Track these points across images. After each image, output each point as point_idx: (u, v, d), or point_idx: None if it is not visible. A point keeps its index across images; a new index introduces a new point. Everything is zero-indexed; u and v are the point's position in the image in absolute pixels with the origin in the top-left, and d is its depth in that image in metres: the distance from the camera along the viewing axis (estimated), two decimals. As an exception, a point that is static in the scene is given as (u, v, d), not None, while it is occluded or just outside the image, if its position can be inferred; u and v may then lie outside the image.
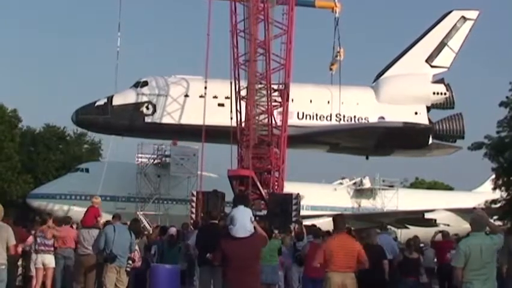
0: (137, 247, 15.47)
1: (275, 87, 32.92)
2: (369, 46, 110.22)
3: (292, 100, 35.91)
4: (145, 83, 38.46)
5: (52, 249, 14.76)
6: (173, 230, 16.42)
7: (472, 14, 41.17)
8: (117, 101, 37.78)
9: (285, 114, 33.22)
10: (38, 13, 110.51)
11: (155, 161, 44.06)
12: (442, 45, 40.72)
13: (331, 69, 39.51)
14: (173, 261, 14.94)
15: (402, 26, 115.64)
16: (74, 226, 17.24)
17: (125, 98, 38.04)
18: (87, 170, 43.91)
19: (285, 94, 33.04)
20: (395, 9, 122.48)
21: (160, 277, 14.26)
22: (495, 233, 8.91)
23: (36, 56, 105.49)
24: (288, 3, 32.89)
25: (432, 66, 40.75)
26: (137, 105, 37.87)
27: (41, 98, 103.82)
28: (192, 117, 35.39)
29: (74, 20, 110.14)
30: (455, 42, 40.84)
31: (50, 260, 14.70)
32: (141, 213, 40.97)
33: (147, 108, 37.82)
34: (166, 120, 37.64)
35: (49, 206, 40.47)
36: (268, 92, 32.19)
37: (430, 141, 39.39)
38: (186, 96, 37.65)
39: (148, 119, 37.76)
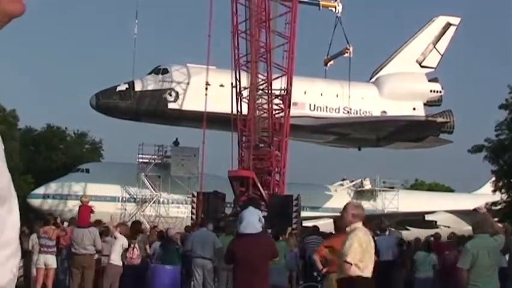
0: (137, 245, 15.57)
1: (277, 93, 33.00)
2: (363, 45, 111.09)
3: (305, 92, 38.56)
4: (166, 70, 38.75)
5: (54, 250, 14.79)
6: (173, 232, 16.45)
7: (455, 20, 44.79)
8: (139, 86, 37.97)
9: (286, 120, 33.17)
10: (37, 11, 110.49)
11: (156, 162, 44.07)
12: (430, 47, 43.98)
13: (326, 64, 41.39)
14: (170, 262, 14.95)
15: (394, 25, 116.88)
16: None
17: (147, 84, 38.24)
18: (88, 171, 43.75)
19: (286, 100, 33.13)
20: (387, 9, 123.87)
21: (160, 278, 14.28)
22: (497, 233, 8.89)
23: (36, 55, 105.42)
24: (292, 11, 32.87)
25: (422, 67, 43.91)
26: (160, 92, 38.08)
27: (41, 98, 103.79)
28: (213, 105, 34.22)
29: (73, 19, 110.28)
30: (441, 45, 44.28)
31: (51, 260, 14.72)
32: (142, 213, 40.98)
33: (170, 94, 38.09)
34: (189, 107, 37.49)
35: (50, 207, 40.41)
36: (270, 98, 32.25)
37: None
38: (208, 84, 36.16)
39: (171, 106, 38.02)
